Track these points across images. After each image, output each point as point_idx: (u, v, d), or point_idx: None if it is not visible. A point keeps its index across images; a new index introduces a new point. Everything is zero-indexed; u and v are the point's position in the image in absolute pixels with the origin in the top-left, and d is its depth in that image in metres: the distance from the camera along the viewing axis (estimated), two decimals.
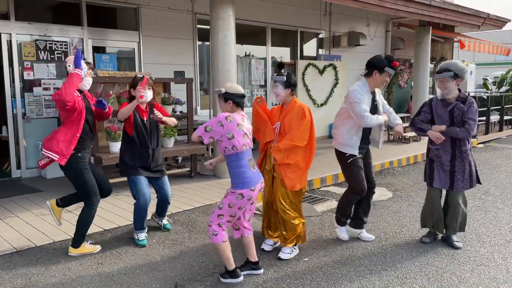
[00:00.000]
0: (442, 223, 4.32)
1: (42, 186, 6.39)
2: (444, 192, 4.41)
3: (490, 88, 17.39)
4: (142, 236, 4.34)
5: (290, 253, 4.01)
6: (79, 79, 3.77)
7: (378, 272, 3.73)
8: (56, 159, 3.80)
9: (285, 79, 3.93)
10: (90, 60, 7.39)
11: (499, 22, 11.63)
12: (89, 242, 4.19)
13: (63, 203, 4.19)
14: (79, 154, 3.90)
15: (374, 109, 4.20)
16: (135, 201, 4.25)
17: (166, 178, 4.54)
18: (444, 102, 4.19)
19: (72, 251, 4.02)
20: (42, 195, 5.91)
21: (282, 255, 3.98)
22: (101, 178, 4.21)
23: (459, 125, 4.08)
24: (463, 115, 4.07)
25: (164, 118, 4.31)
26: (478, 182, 4.30)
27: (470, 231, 4.67)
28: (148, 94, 4.17)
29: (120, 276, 3.65)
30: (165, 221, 4.78)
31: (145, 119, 4.26)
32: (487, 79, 16.72)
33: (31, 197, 5.81)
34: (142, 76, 4.16)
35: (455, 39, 14.50)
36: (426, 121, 4.29)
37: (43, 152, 3.88)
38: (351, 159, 4.19)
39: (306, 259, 4.00)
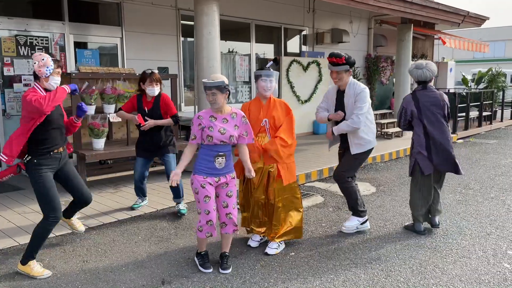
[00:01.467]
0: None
1: (23, 184, 6.27)
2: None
3: (469, 85, 17.72)
4: (138, 201, 5.18)
5: (277, 248, 4.04)
6: (64, 96, 3.54)
7: (363, 265, 3.79)
8: (4, 160, 3.41)
9: (277, 74, 4.00)
10: (72, 56, 7.29)
11: (478, 19, 11.88)
12: (39, 264, 3.63)
13: (67, 214, 4.08)
14: (35, 160, 3.50)
15: (340, 107, 4.37)
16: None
17: (169, 156, 4.98)
18: None
19: (19, 267, 3.58)
20: (24, 193, 5.81)
21: (268, 250, 4.00)
22: (79, 186, 3.87)
23: None
24: None
25: (153, 123, 4.77)
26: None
27: (452, 224, 4.78)
28: (155, 90, 4.75)
29: (106, 273, 3.63)
30: (181, 205, 5.08)
31: (146, 109, 4.81)
32: (465, 76, 17.03)
33: (13, 195, 5.70)
34: (151, 71, 4.71)
35: (435, 37, 14.75)
36: None
37: None
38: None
39: (293, 253, 4.04)
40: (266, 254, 3.98)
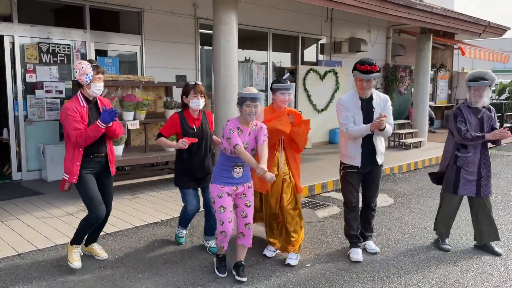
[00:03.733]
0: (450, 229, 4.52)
1: (43, 188, 6.38)
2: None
3: (491, 96, 17.47)
4: (182, 233, 4.49)
5: (297, 259, 4.00)
6: (100, 133, 3.58)
7: (381, 279, 3.72)
8: (67, 178, 3.63)
9: (294, 86, 4.00)
10: None
11: (499, 30, 11.69)
12: (79, 253, 3.84)
13: (87, 241, 4.06)
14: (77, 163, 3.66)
15: (368, 116, 4.01)
16: (183, 205, 4.30)
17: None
18: (473, 110, 4.29)
19: (68, 245, 3.85)
20: (43, 197, 5.89)
21: (291, 261, 3.95)
22: (106, 196, 3.87)
23: (487, 130, 4.29)
24: (491, 121, 4.32)
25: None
26: None
27: (472, 239, 4.67)
28: (200, 103, 4.05)
29: (122, 280, 3.64)
30: (212, 243, 4.29)
31: (194, 127, 4.10)
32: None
33: (32, 200, 5.79)
34: (194, 82, 4.09)
35: (455, 46, 14.57)
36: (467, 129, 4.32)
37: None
38: (344, 171, 4.15)
39: (309, 265, 3.99)
40: (289, 265, 3.93)
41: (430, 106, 13.47)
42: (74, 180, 3.62)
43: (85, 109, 3.62)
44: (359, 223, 4.26)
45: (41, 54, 6.95)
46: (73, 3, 7.19)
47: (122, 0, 7.59)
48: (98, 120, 3.55)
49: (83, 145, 3.57)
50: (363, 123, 3.98)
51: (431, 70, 13.39)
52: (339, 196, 6.53)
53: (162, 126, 4.09)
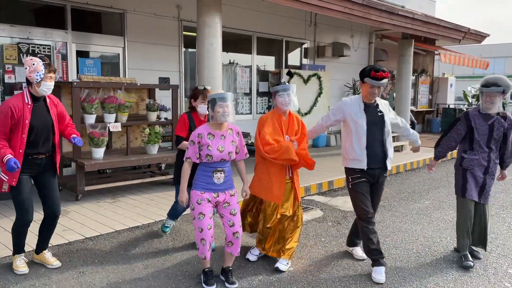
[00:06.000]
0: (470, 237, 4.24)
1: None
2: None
3: (470, 101, 17.83)
4: (169, 222, 4.67)
5: (287, 265, 3.97)
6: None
7: (363, 282, 3.74)
8: (6, 180, 3.44)
9: (294, 87, 3.96)
10: (74, 64, 7.30)
11: (479, 36, 11.94)
12: (23, 260, 3.78)
13: (38, 249, 3.92)
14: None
15: (377, 121, 3.90)
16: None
17: None
18: (484, 115, 4.14)
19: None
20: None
21: (280, 266, 3.92)
22: (51, 195, 3.73)
23: (498, 138, 4.12)
24: (504, 130, 4.12)
25: None
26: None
27: (452, 242, 4.74)
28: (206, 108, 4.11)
29: (102, 286, 3.57)
30: (168, 223, 4.67)
31: None
32: (471, 90, 17.16)
33: (10, 204, 5.63)
34: (203, 87, 4.21)
35: (436, 52, 14.83)
36: (455, 140, 4.29)
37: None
38: (352, 182, 3.95)
39: (291, 268, 3.99)
40: (277, 269, 3.90)
41: (411, 111, 13.67)
42: (14, 183, 3.43)
43: (29, 106, 3.42)
44: (378, 236, 3.92)
45: (21, 55, 6.81)
46: (54, 3, 7.07)
47: (105, 1, 7.51)
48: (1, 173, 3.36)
49: None
50: (366, 126, 3.84)
51: (412, 75, 13.58)
52: (322, 199, 6.55)
53: (176, 130, 4.32)
